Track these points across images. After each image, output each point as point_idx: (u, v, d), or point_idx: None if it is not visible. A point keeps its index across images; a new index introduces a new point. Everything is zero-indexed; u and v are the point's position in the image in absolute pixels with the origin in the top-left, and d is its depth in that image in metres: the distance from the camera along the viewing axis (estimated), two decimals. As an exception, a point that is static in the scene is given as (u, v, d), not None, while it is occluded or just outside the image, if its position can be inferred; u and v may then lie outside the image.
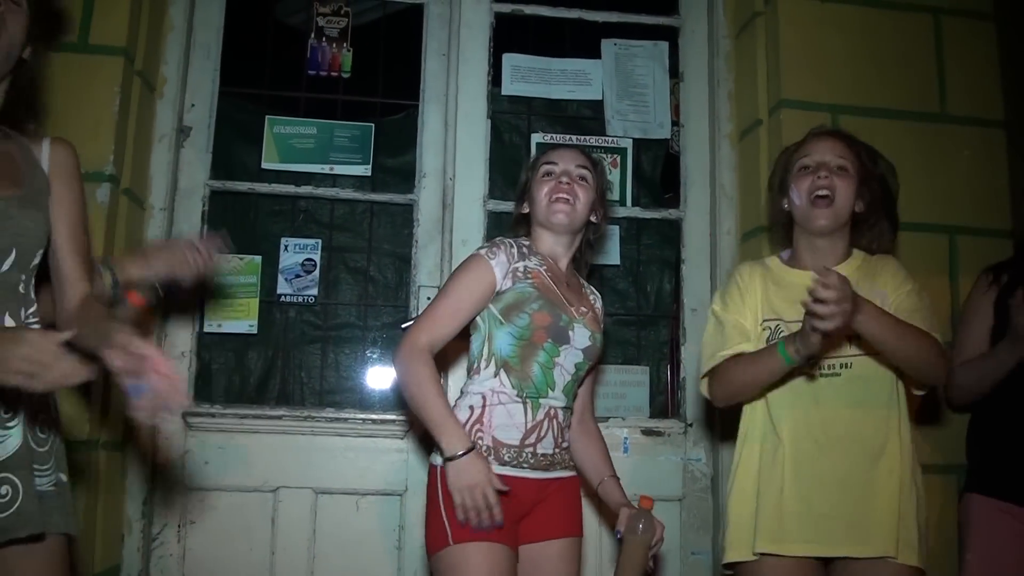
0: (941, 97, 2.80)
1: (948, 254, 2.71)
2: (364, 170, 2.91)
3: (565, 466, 2.07)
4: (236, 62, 2.86)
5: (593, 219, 2.15)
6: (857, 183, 2.03)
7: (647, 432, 2.80)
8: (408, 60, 2.96)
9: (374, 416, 2.71)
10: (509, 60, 3.02)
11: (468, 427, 1.95)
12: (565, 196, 2.05)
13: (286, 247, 2.83)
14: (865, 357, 1.95)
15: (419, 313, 2.11)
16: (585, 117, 3.12)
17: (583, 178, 2.10)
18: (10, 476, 1.47)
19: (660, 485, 2.76)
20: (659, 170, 3.16)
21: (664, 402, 2.98)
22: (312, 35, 2.96)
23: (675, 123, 3.07)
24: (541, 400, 1.99)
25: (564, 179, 2.07)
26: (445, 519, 1.88)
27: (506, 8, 3.00)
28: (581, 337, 2.03)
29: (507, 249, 2.02)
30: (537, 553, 2.00)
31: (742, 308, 2.06)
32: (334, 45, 2.96)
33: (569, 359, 2.02)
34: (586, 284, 2.24)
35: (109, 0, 2.49)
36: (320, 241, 2.89)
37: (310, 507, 2.62)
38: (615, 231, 3.00)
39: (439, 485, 1.92)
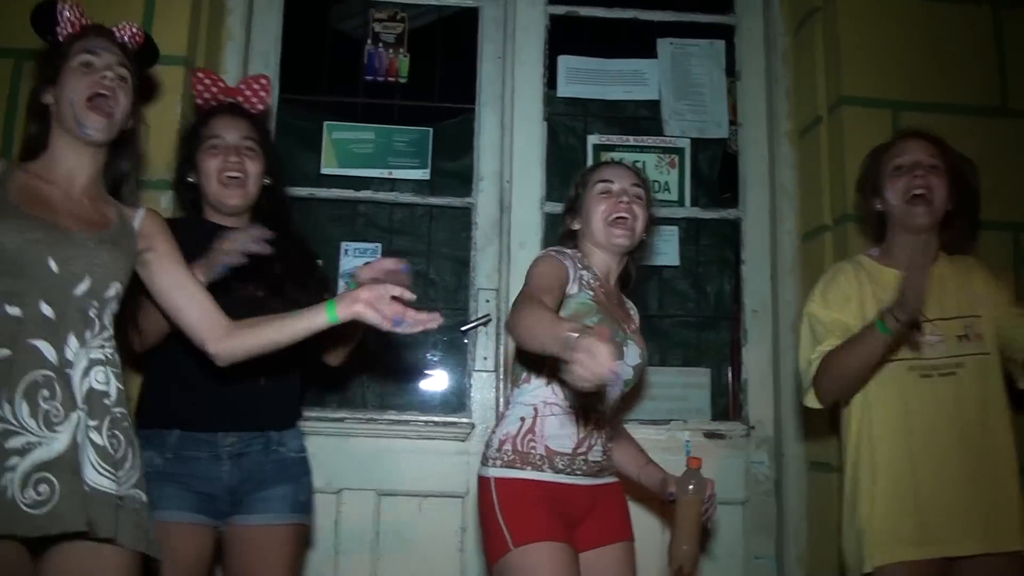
0: (1002, 90, 2.78)
1: (1012, 252, 2.69)
2: (422, 174, 2.99)
3: (611, 472, 2.12)
4: (294, 70, 2.93)
5: (644, 236, 2.17)
6: (949, 181, 2.09)
7: (709, 435, 2.83)
8: (464, 64, 3.02)
9: (436, 418, 2.77)
10: (565, 62, 3.07)
11: (520, 437, 1.98)
12: (625, 216, 2.07)
13: (346, 251, 2.91)
14: (978, 356, 2.02)
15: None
16: (642, 117, 3.15)
17: (639, 197, 2.12)
18: (49, 476, 1.56)
19: (722, 489, 2.68)
20: (717, 170, 3.18)
21: (726, 404, 3.00)
22: (369, 41, 3.04)
23: (733, 122, 3.09)
24: (590, 412, 2.02)
25: (624, 199, 2.08)
26: (503, 525, 1.91)
27: (561, 10, 3.05)
28: (632, 354, 2.07)
29: (571, 255, 2.05)
30: (594, 560, 2.02)
31: (846, 306, 2.09)
32: (391, 51, 3.04)
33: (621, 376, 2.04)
34: (627, 300, 2.26)
35: (169, 11, 2.57)
36: (380, 245, 2.96)
37: (373, 508, 2.68)
38: (674, 232, 3.03)
39: (494, 495, 1.95)
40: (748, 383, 2.88)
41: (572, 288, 1.99)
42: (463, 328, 2.85)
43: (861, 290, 2.09)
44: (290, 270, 2.14)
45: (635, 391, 2.34)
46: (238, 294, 2.03)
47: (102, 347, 1.69)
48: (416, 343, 3.10)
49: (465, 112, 3.02)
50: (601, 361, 1.47)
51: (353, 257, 2.89)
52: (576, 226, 2.16)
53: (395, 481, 2.70)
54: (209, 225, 2.13)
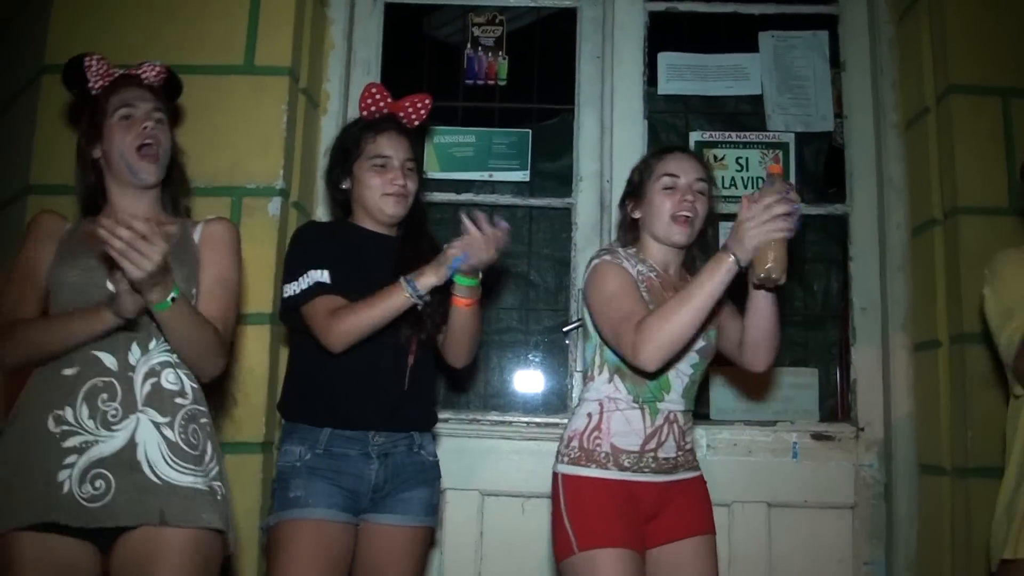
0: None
1: None
2: (522, 175, 3.08)
3: (689, 467, 2.13)
4: (395, 75, 3.04)
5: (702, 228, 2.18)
6: None
7: (817, 436, 2.83)
8: (563, 64, 3.09)
9: (538, 419, 2.86)
10: (664, 59, 3.11)
11: (587, 434, 2.04)
12: (687, 215, 2.09)
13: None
14: None
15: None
16: (744, 113, 3.16)
17: (702, 192, 2.13)
18: (106, 472, 1.77)
19: (831, 492, 2.79)
20: (823, 164, 3.17)
21: (834, 405, 2.99)
22: (468, 45, 3.15)
23: (837, 115, 3.08)
24: (659, 405, 2.06)
25: (688, 197, 2.09)
26: (568, 527, 1.97)
27: (660, 6, 3.09)
28: (697, 340, 2.05)
29: (624, 255, 2.11)
30: (672, 555, 2.06)
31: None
32: (490, 54, 3.14)
33: (684, 362, 2.07)
34: None
35: (273, 23, 2.70)
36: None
37: (477, 509, 2.78)
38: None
39: (561, 492, 2.02)
40: (857, 383, 2.87)
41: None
42: (564, 329, 2.92)
43: None
44: None
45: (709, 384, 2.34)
46: None
47: (171, 352, 1.89)
48: (518, 344, 3.19)
49: (564, 113, 3.09)
50: None
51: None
52: (637, 215, 2.18)
53: (498, 482, 2.80)
54: (359, 230, 2.28)
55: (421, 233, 2.32)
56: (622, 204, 2.24)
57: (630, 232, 2.21)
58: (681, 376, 2.08)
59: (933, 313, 2.68)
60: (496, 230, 2.06)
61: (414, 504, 2.18)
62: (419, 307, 2.07)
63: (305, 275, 2.10)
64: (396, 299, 2.04)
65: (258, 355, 2.53)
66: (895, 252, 2.88)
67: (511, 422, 2.84)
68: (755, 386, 2.92)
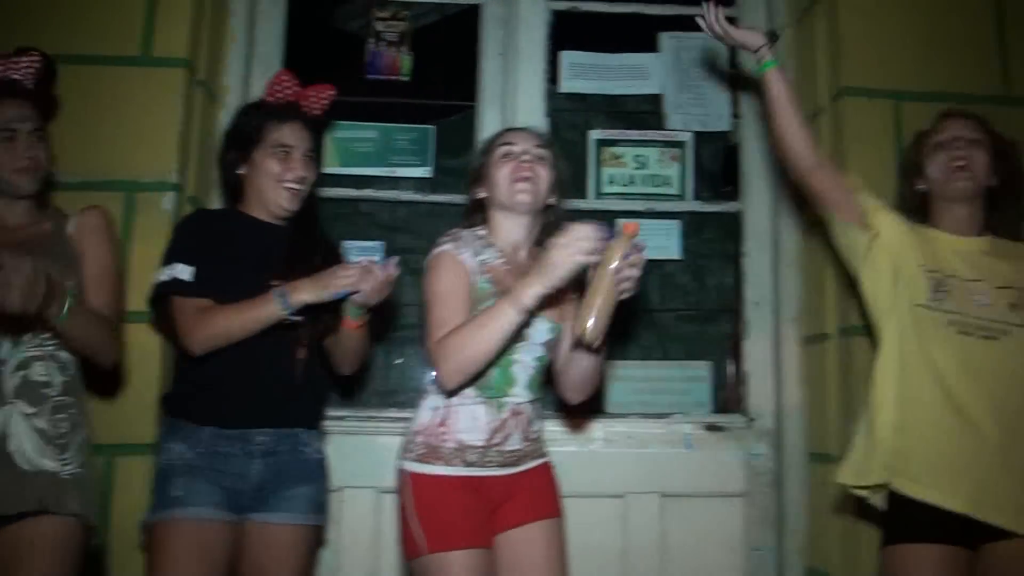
0: (1004, 78, 2.86)
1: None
2: (425, 172, 3.15)
3: (535, 456, 2.19)
4: (298, 69, 3.05)
5: (552, 201, 2.22)
6: (991, 156, 2.22)
7: (710, 428, 2.95)
8: (467, 61, 3.16)
9: None
10: (567, 57, 3.21)
11: (433, 429, 2.07)
12: (527, 175, 2.13)
13: (348, 250, 2.98)
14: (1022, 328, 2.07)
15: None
16: (644, 112, 3.27)
17: (542, 158, 2.19)
18: None
19: (723, 481, 2.91)
20: (720, 163, 3.29)
21: (727, 397, 3.11)
22: (371, 40, 3.20)
23: (735, 115, 3.21)
24: (504, 399, 2.10)
25: (526, 158, 2.15)
26: (417, 527, 1.99)
27: (563, 5, 3.18)
28: (540, 332, 2.13)
29: (469, 241, 2.11)
30: (517, 538, 2.10)
31: (896, 223, 2.21)
32: (393, 49, 3.19)
33: (528, 355, 2.13)
34: None
35: (170, 13, 2.70)
36: (382, 243, 3.11)
37: (373, 506, 2.80)
38: (676, 225, 3.17)
39: (408, 491, 2.05)
40: (749, 375, 3.01)
41: (472, 279, 2.06)
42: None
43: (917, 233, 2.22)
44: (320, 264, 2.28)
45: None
46: (269, 287, 2.18)
47: (41, 345, 1.98)
48: (417, 341, 3.21)
49: (467, 109, 3.16)
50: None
51: (355, 255, 3.00)
52: (482, 194, 2.23)
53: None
54: (248, 219, 2.32)
55: (312, 227, 2.38)
56: (468, 191, 2.30)
57: (475, 215, 2.25)
58: (526, 369, 2.13)
59: (823, 307, 2.82)
60: (389, 272, 2.14)
61: (298, 502, 2.21)
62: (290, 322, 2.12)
63: (170, 267, 2.15)
64: (264, 310, 2.09)
65: (148, 354, 2.52)
66: (787, 249, 3.03)
67: (409, 419, 2.86)
68: (650, 380, 3.05)
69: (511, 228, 2.20)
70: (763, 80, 2.24)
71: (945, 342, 2.05)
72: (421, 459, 2.07)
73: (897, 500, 2.06)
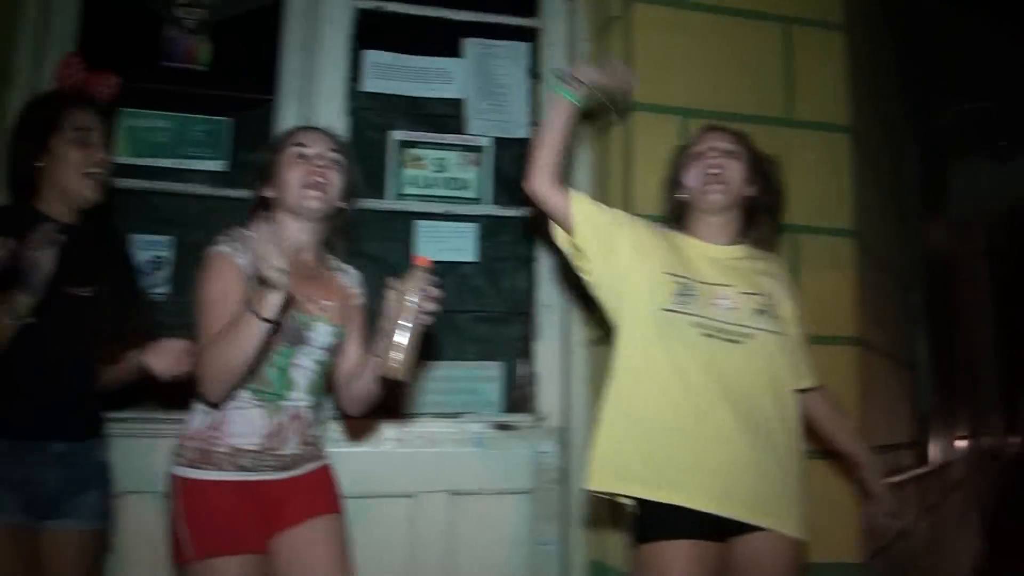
0: (789, 103, 3.15)
1: (792, 254, 3.02)
2: (220, 165, 3.14)
3: (312, 459, 2.24)
4: (92, 51, 2.97)
5: (342, 205, 2.28)
6: (747, 167, 2.34)
7: (499, 426, 3.11)
8: (268, 54, 3.16)
9: None
10: (370, 57, 3.27)
11: (206, 433, 2.09)
12: (320, 180, 2.19)
13: (137, 244, 2.98)
14: (772, 334, 2.20)
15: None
16: (446, 115, 3.38)
17: (336, 162, 2.25)
18: None
19: (512, 478, 3.07)
20: (519, 169, 3.43)
21: (518, 397, 3.27)
22: (169, 25, 3.15)
23: (535, 123, 3.36)
24: (282, 403, 2.14)
25: (319, 162, 2.20)
26: (186, 533, 2.02)
27: (368, 4, 3.24)
28: (322, 335, 2.20)
29: (243, 240, 2.08)
30: (294, 536, 2.13)
31: (639, 233, 2.30)
32: (191, 36, 3.16)
33: (309, 358, 2.18)
34: (339, 266, 2.38)
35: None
36: (173, 238, 3.06)
37: (156, 511, 2.68)
38: (473, 229, 3.30)
39: (178, 496, 2.06)
40: (539, 376, 3.18)
41: (250, 283, 2.04)
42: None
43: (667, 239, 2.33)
44: (114, 268, 2.31)
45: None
46: (63, 292, 2.16)
47: None
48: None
49: (267, 103, 3.15)
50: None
51: (143, 250, 2.99)
52: (269, 193, 2.24)
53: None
54: (39, 216, 2.22)
55: (105, 225, 2.35)
56: (255, 187, 2.29)
57: (259, 212, 2.25)
58: (306, 372, 2.19)
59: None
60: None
61: (85, 508, 2.23)
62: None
63: None
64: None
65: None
66: (577, 255, 3.20)
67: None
68: (444, 380, 3.17)
69: (297, 230, 2.24)
70: (556, 99, 2.27)
71: (689, 345, 2.13)
72: (193, 464, 2.07)
73: (645, 502, 2.11)
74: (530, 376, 3.22)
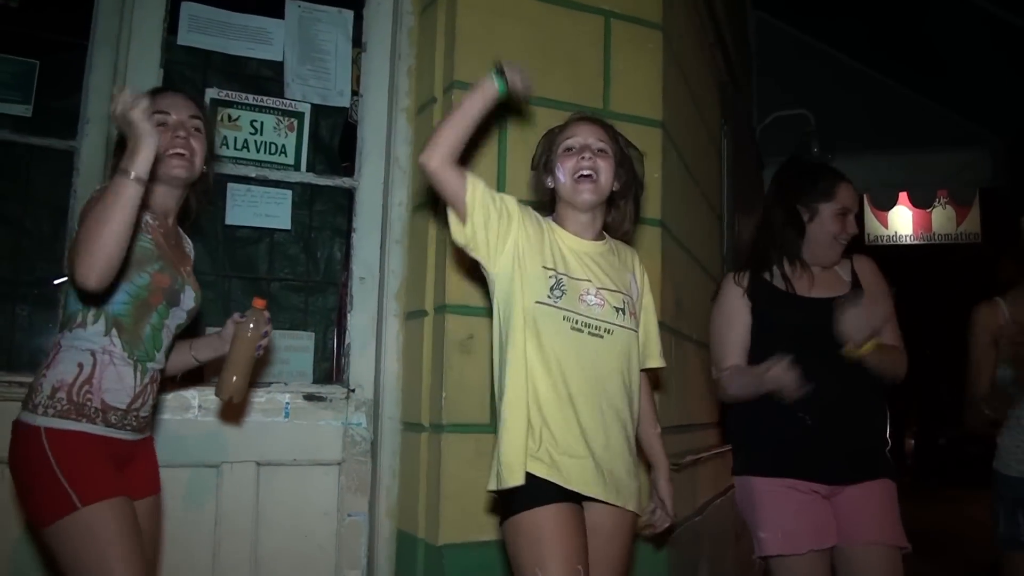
0: (605, 94, 3.63)
1: None
2: (24, 111, 3.33)
3: (151, 427, 2.58)
4: None
5: (205, 170, 2.60)
6: (615, 164, 2.65)
7: (309, 397, 3.47)
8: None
9: (25, 379, 2.84)
10: (187, 8, 3.54)
11: (76, 386, 2.29)
12: (181, 151, 2.49)
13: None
14: (627, 330, 2.60)
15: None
16: (264, 77, 3.71)
17: (198, 129, 2.56)
18: None
19: (320, 450, 3.45)
20: (337, 138, 3.82)
21: (329, 368, 3.64)
22: (-31, -43, 3.33)
23: (355, 93, 3.76)
24: (148, 364, 2.43)
25: (180, 133, 2.49)
26: (64, 482, 2.17)
27: (188, -46, 3.51)
28: (188, 298, 2.54)
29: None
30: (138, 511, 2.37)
31: (525, 226, 2.57)
32: (-7, -31, 3.33)
33: (174, 321, 2.51)
34: (183, 235, 2.71)
35: None
36: (-30, 187, 3.19)
37: None
38: (288, 195, 3.65)
39: (46, 447, 2.22)
40: (351, 347, 3.57)
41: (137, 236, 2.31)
42: (55, 282, 3.22)
43: (544, 232, 2.62)
44: None
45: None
46: None
47: None
48: (5, 296, 3.40)
49: (77, 47, 3.33)
50: None
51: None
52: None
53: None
54: None
55: None
56: (115, 152, 2.51)
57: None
58: (169, 335, 2.51)
59: (423, 285, 3.44)
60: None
61: None
62: None
63: None
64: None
65: None
66: (395, 227, 3.63)
67: (21, 382, 2.98)
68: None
69: (164, 196, 2.54)
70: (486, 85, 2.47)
71: (561, 337, 2.48)
72: (64, 415, 2.27)
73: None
74: (342, 348, 3.60)
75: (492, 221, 2.50)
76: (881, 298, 3.10)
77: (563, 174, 2.62)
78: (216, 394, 2.58)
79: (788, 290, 3.09)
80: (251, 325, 2.55)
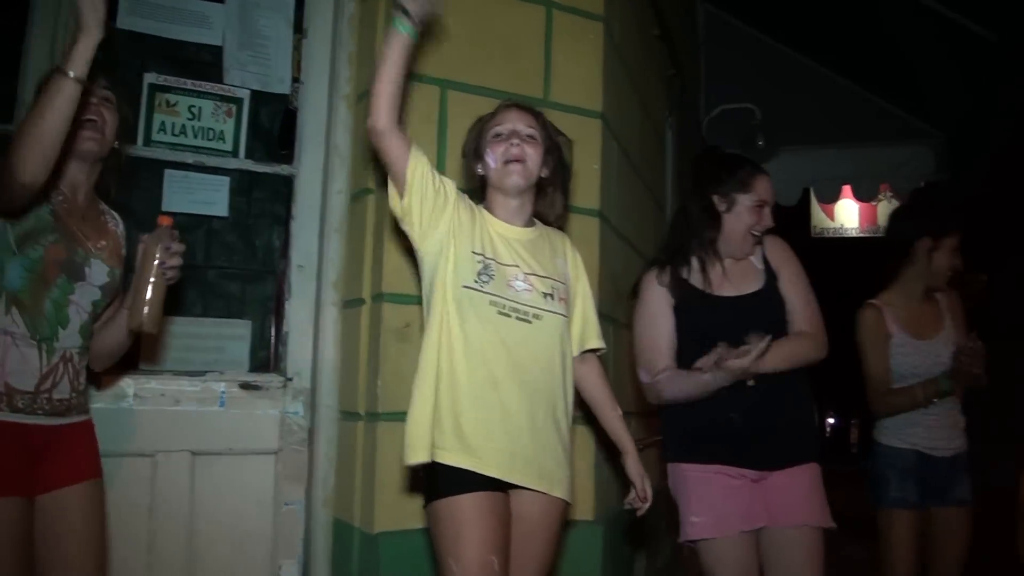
0: (546, 84, 3.66)
1: None
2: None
3: (81, 411, 2.57)
4: None
5: (117, 145, 2.64)
6: (543, 151, 2.71)
7: (245, 386, 3.47)
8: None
9: None
10: (125, -10, 3.51)
11: None
12: (92, 118, 2.52)
13: None
14: (557, 316, 2.64)
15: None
16: (204, 62, 3.68)
17: (107, 99, 2.60)
18: None
19: (257, 439, 3.46)
20: (277, 125, 3.81)
21: (266, 357, 3.65)
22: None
23: (296, 79, 3.76)
24: (55, 343, 2.43)
25: (92, 100, 2.51)
26: None
27: (126, -65, 3.49)
28: (98, 273, 2.55)
29: None
30: (55, 502, 2.41)
31: (459, 209, 2.61)
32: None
33: (85, 297, 2.51)
34: (107, 211, 2.73)
35: None
36: None
37: None
38: (225, 182, 3.65)
39: None
40: (289, 336, 3.58)
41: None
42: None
43: (476, 218, 2.67)
44: None
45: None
46: None
47: None
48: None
49: (14, 28, 3.29)
50: None
51: None
52: None
53: None
54: None
55: None
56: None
57: None
58: (80, 312, 2.52)
59: (361, 274, 3.47)
60: None
61: None
62: None
63: None
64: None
65: None
66: (334, 215, 3.65)
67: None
68: (188, 337, 3.51)
69: (74, 170, 2.56)
70: (393, 35, 2.47)
71: (486, 322, 2.51)
72: None
73: (440, 466, 2.48)
74: (279, 336, 3.61)
75: (428, 199, 2.53)
76: (795, 278, 3.14)
77: (492, 159, 2.67)
78: (127, 325, 2.54)
79: (705, 288, 3.12)
80: (158, 244, 2.47)
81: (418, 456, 2.46)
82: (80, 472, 2.51)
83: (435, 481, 2.48)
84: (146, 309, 2.43)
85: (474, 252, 2.56)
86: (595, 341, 2.84)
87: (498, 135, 2.68)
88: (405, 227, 2.60)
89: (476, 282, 2.53)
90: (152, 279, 2.44)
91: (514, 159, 2.63)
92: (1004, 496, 4.56)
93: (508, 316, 2.55)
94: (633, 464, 2.80)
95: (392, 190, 2.57)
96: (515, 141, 2.65)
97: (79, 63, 2.16)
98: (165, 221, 2.51)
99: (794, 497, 3.01)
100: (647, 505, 2.78)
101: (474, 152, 2.76)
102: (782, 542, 2.99)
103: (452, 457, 2.46)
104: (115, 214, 2.77)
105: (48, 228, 2.41)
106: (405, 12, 2.41)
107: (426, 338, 2.53)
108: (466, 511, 2.41)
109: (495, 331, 2.52)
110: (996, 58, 6.03)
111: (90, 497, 2.52)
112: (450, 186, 2.62)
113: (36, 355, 2.39)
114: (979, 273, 4.25)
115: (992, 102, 6.54)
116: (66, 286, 2.45)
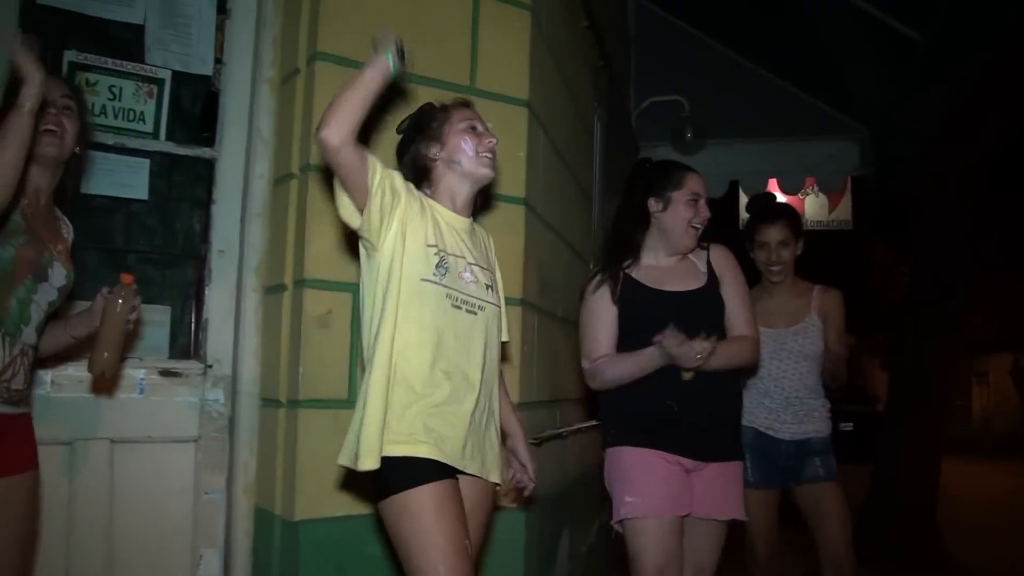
0: (472, 71, 3.68)
1: None
2: None
3: (28, 403, 2.62)
4: None
5: (78, 150, 2.69)
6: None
7: (165, 373, 3.44)
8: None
9: None
10: (45, -33, 3.44)
11: None
12: (53, 128, 2.57)
13: None
14: (494, 307, 2.72)
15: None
16: (125, 40, 3.62)
17: (68, 108, 2.65)
18: None
19: (176, 427, 3.43)
20: (199, 107, 3.76)
21: (186, 343, 3.61)
22: None
23: (219, 60, 3.72)
24: (18, 336, 2.48)
25: (51, 111, 2.55)
26: None
27: (44, -92, 3.42)
28: (58, 275, 2.60)
29: None
30: (9, 487, 2.47)
31: (411, 204, 2.59)
32: None
33: (44, 297, 2.56)
34: (61, 216, 2.77)
35: None
36: None
37: None
38: (145, 165, 3.59)
39: None
40: (209, 322, 3.55)
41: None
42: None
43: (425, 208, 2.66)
44: None
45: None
46: None
47: None
48: None
49: None
50: None
51: None
52: None
53: None
54: None
55: None
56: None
57: None
58: (39, 311, 2.56)
59: (283, 259, 3.46)
60: None
61: None
62: None
63: None
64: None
65: None
66: (256, 200, 3.63)
67: None
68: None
69: (36, 175, 2.60)
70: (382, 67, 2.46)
71: (442, 314, 2.55)
72: None
73: (395, 459, 2.46)
74: (200, 322, 3.58)
75: (387, 203, 2.51)
76: (737, 285, 3.36)
77: (469, 148, 2.69)
78: (89, 369, 2.65)
79: (648, 284, 3.30)
80: (120, 300, 2.62)
81: (368, 463, 2.43)
82: (28, 461, 2.57)
83: (393, 475, 2.46)
84: (106, 354, 2.61)
85: (428, 245, 2.57)
86: (505, 334, 2.91)
87: (474, 128, 2.73)
88: (363, 234, 2.55)
89: (435, 275, 2.55)
90: (115, 332, 2.62)
91: (491, 151, 2.71)
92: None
93: (459, 308, 2.60)
94: (523, 447, 2.93)
95: (344, 199, 2.50)
96: (491, 136, 2.73)
97: (32, 97, 2.28)
98: (127, 279, 2.64)
99: (720, 491, 3.23)
100: (533, 485, 2.92)
101: (434, 134, 2.74)
102: (699, 531, 3.22)
103: (409, 448, 2.46)
104: (67, 221, 2.80)
105: (19, 230, 2.47)
106: (401, 56, 2.46)
107: (379, 339, 2.50)
108: (437, 500, 2.44)
109: (448, 323, 2.56)
110: (920, 56, 6.19)
111: (31, 488, 2.58)
112: (398, 180, 2.57)
113: (0, 346, 2.44)
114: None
115: (915, 99, 6.70)
116: (32, 286, 2.51)
